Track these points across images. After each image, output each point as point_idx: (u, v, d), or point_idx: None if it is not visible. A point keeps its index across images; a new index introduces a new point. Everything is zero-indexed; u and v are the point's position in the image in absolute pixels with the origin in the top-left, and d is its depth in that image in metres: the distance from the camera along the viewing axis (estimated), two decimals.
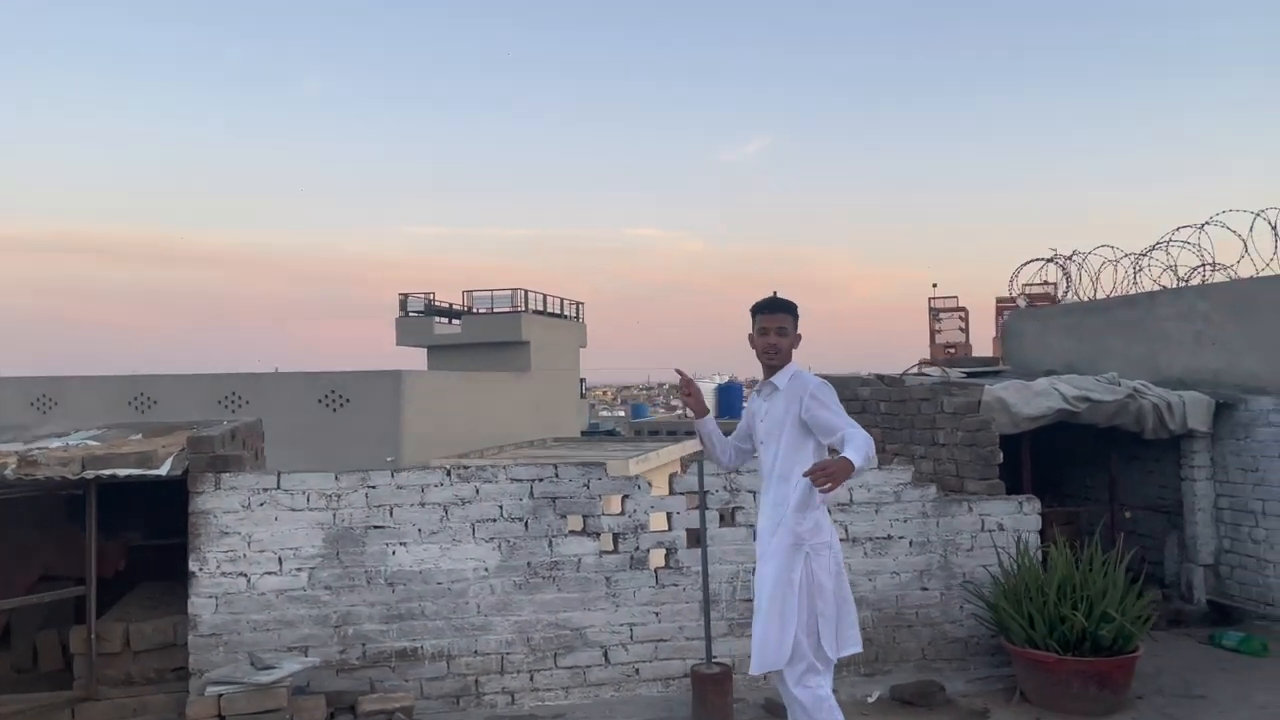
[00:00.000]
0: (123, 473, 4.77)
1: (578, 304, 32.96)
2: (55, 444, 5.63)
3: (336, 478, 5.08)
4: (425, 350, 30.04)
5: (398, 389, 22.14)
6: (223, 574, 4.93)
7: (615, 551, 5.37)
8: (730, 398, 33.23)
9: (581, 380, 33.81)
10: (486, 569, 5.22)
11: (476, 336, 28.62)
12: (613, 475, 5.42)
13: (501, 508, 5.25)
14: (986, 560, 5.75)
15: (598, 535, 5.36)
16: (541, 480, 5.30)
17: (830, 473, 3.39)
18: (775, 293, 4.06)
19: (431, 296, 29.55)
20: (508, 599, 5.23)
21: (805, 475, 3.56)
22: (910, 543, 5.73)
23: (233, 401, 22.73)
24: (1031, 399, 6.66)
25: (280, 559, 5.00)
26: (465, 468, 5.24)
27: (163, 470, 4.80)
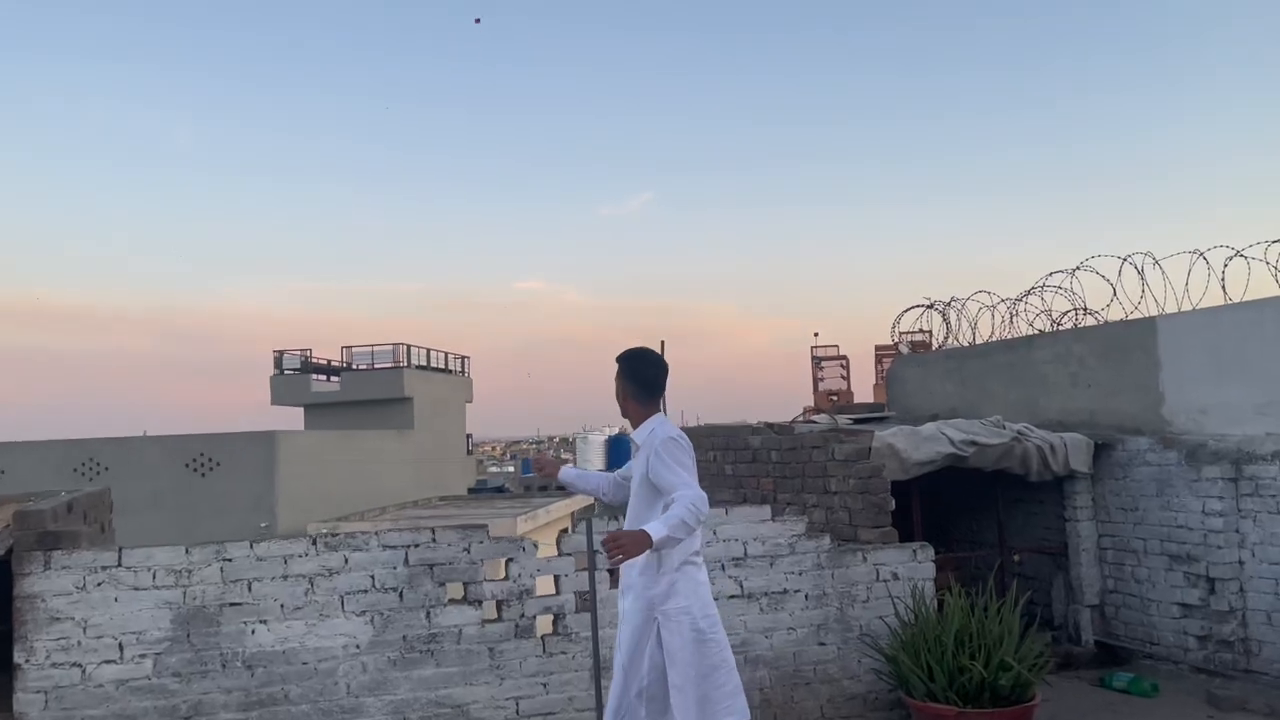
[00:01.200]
0: None
1: (463, 358, 32.36)
2: None
3: (187, 551, 4.60)
4: (302, 410, 28.90)
5: (272, 451, 21.14)
6: (53, 665, 4.37)
7: (499, 620, 5.02)
8: (619, 451, 32.92)
9: (468, 436, 33.07)
10: (358, 645, 4.79)
11: (356, 394, 27.70)
12: (495, 537, 5.09)
13: (374, 578, 4.85)
14: (883, 611, 5.62)
15: (479, 603, 5.01)
16: (417, 546, 4.93)
17: (620, 545, 3.36)
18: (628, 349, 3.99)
19: (308, 353, 28.54)
20: (382, 677, 4.81)
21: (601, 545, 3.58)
22: (806, 596, 5.56)
23: (90, 469, 21.31)
24: (920, 444, 6.64)
25: (121, 645, 4.47)
26: (334, 535, 4.83)
27: None
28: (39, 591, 4.37)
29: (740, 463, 7.66)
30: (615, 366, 3.96)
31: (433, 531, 4.97)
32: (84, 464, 21.42)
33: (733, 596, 5.42)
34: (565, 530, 5.34)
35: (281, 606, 4.70)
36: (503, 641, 5.00)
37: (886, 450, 6.52)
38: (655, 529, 3.41)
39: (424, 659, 4.88)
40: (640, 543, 3.38)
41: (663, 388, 3.97)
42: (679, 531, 3.47)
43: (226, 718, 4.57)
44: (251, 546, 4.69)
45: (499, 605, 5.04)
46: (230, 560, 4.65)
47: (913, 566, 5.79)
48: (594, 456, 31.34)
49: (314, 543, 4.78)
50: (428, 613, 4.91)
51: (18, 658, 4.31)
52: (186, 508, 20.62)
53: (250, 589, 4.67)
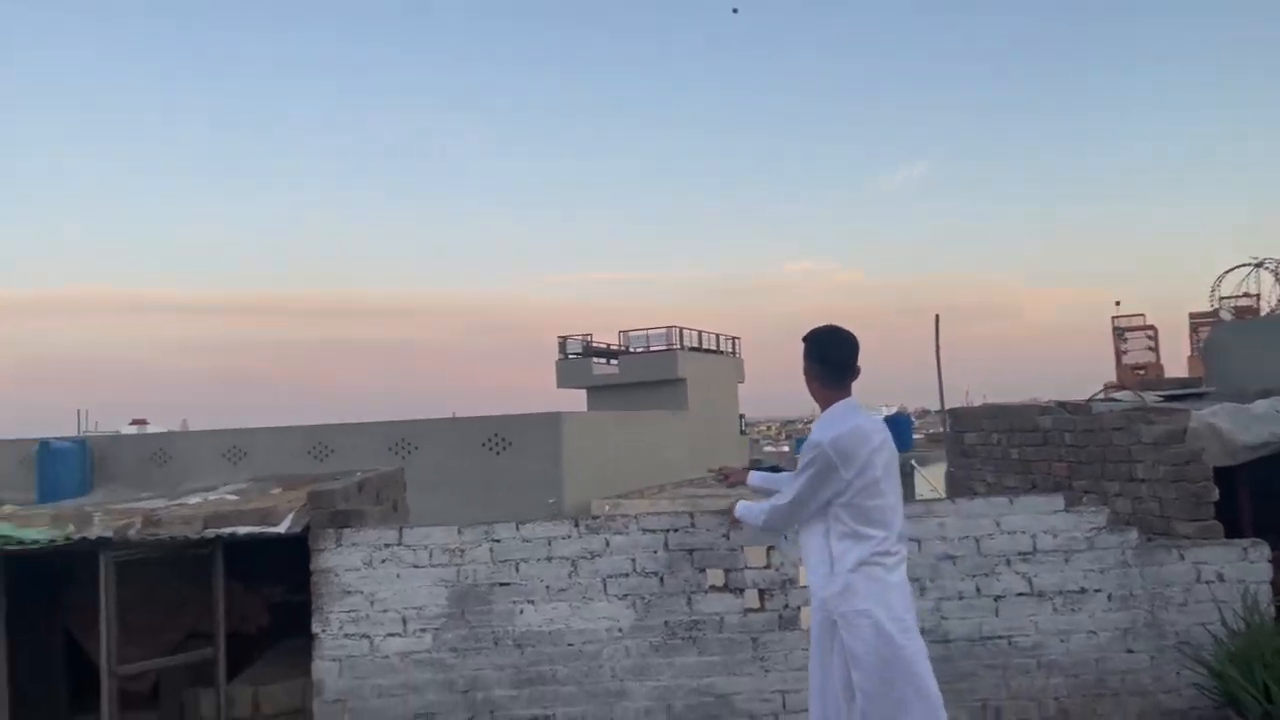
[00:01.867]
0: (243, 530, 4.63)
1: (734, 339, 32.47)
2: (194, 500, 5.61)
3: (459, 531, 4.78)
4: (585, 392, 30.23)
5: (557, 431, 22.19)
6: (345, 635, 4.69)
7: (761, 609, 4.83)
8: (898, 430, 31.75)
9: (741, 416, 33.18)
10: (620, 629, 4.78)
11: (633, 376, 28.56)
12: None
13: (634, 561, 4.82)
14: (1204, 616, 4.87)
15: (741, 591, 4.84)
16: (676, 531, 4.84)
17: (727, 477, 4.22)
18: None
19: (589, 338, 29.75)
20: (644, 662, 4.77)
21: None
22: (1109, 597, 4.92)
23: (403, 448, 23.40)
24: (1250, 424, 5.70)
25: (404, 619, 4.72)
26: (595, 519, 4.84)
27: (281, 528, 4.63)
28: (332, 566, 4.70)
29: (1028, 446, 6.97)
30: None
31: (691, 516, 4.86)
32: (398, 443, 23.54)
33: (1020, 594, 4.91)
34: None
35: (547, 588, 4.77)
36: (766, 632, 4.81)
37: (1207, 432, 5.64)
38: (740, 509, 3.79)
39: (686, 646, 4.79)
40: (729, 510, 3.91)
41: (853, 370, 3.59)
42: (747, 519, 3.76)
43: (500, 694, 4.71)
44: (517, 528, 4.80)
45: (761, 594, 4.85)
46: (499, 541, 4.78)
47: (1242, 567, 4.97)
48: None
49: (576, 525, 4.82)
50: (688, 599, 4.81)
51: (315, 628, 4.66)
52: (484, 485, 22.12)
53: (518, 569, 4.78)
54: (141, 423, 30.08)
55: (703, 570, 4.83)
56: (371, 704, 4.66)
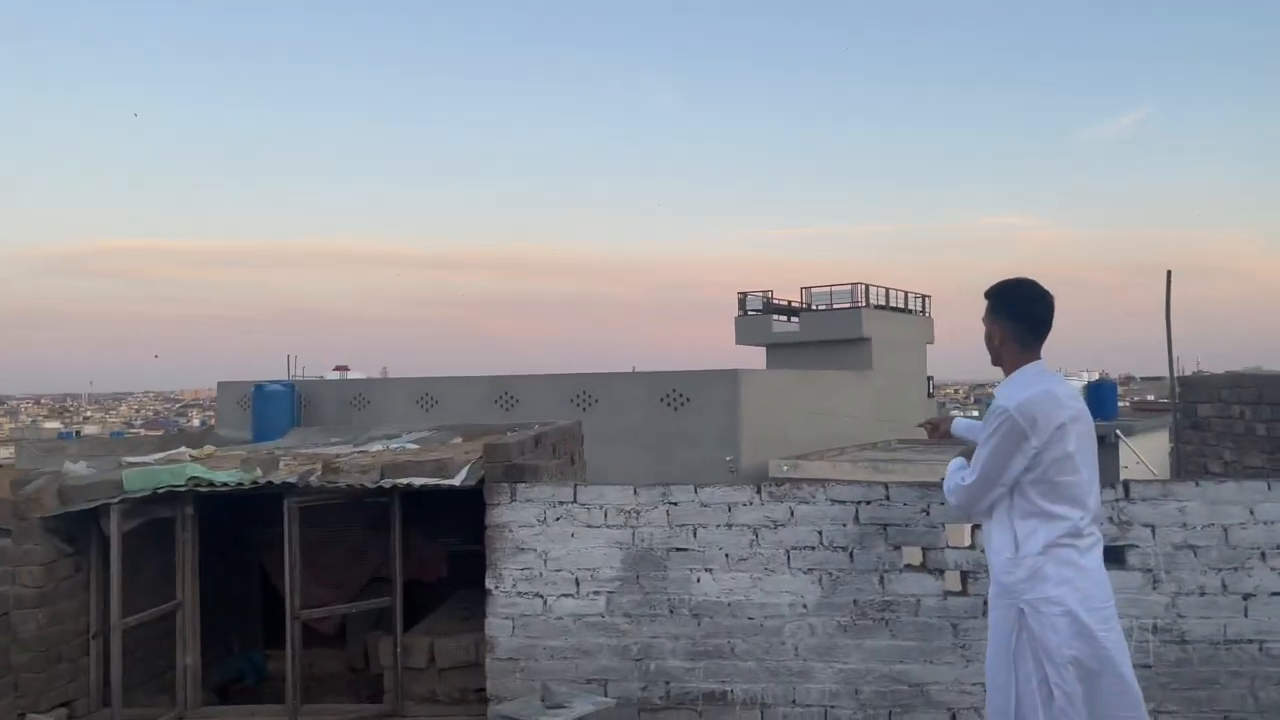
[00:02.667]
0: (418, 482, 4.56)
1: (924, 297, 31.02)
2: (376, 447, 5.63)
3: (635, 492, 4.54)
4: (764, 349, 29.68)
5: (735, 388, 21.86)
6: (519, 593, 4.56)
7: (964, 593, 4.35)
8: (1102, 398, 29.48)
9: (929, 378, 31.77)
10: (805, 605, 4.43)
11: (815, 334, 27.77)
12: None
13: (821, 534, 4.44)
14: None
15: (941, 572, 4.38)
16: (869, 503, 4.42)
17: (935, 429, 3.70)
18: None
19: (769, 295, 29.14)
20: (830, 642, 4.40)
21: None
22: None
23: (584, 400, 23.71)
24: None
25: (577, 580, 4.54)
26: (779, 484, 4.49)
27: (457, 480, 4.52)
28: (506, 521, 4.56)
29: (1278, 421, 6.07)
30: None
31: (886, 487, 4.43)
32: (578, 396, 23.86)
33: (1276, 594, 4.21)
34: None
35: (726, 556, 4.47)
36: (968, 618, 4.33)
37: None
38: (955, 463, 3.31)
39: (877, 628, 4.38)
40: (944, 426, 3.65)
41: (1046, 329, 3.15)
42: (951, 492, 3.26)
43: (675, 664, 4.47)
44: (696, 491, 4.51)
45: (963, 576, 4.37)
46: (675, 504, 4.51)
47: None
48: None
49: (758, 492, 4.48)
50: (881, 577, 4.40)
51: (489, 583, 4.55)
52: (661, 440, 22.14)
53: (695, 535, 4.49)
54: (344, 369, 31.85)
55: (898, 547, 4.40)
56: (543, 664, 4.51)
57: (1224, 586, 4.25)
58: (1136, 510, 4.29)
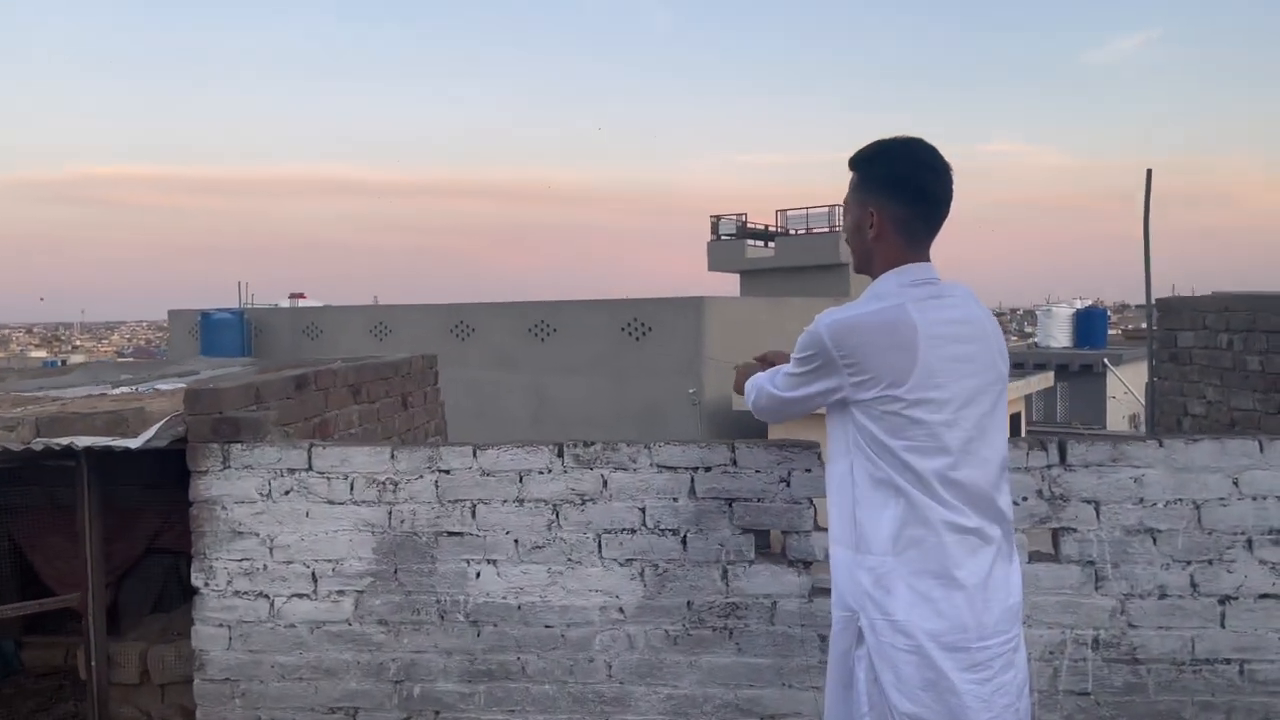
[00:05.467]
0: (84, 442, 3.31)
1: None
2: (166, 386, 4.39)
3: (393, 456, 3.30)
4: (739, 276, 28.37)
5: (699, 316, 20.56)
6: (237, 593, 3.35)
7: None
8: (1091, 327, 28.32)
9: None
10: (621, 609, 3.23)
11: (790, 260, 26.46)
12: None
13: (644, 512, 3.22)
14: None
15: (806, 565, 3.18)
16: (708, 469, 3.19)
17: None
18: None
19: (743, 218, 27.72)
20: (656, 659, 3.22)
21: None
22: None
23: (542, 329, 22.45)
24: None
25: (315, 575, 3.33)
26: (590, 445, 3.25)
27: (135, 441, 3.28)
28: (216, 496, 3.33)
29: (1276, 354, 4.84)
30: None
31: (731, 448, 3.19)
32: (537, 325, 22.60)
33: (1264, 596, 3.02)
34: None
35: (516, 543, 3.26)
36: None
37: None
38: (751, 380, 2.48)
39: (719, 640, 3.20)
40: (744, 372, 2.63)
41: (945, 210, 2.15)
42: (749, 391, 2.48)
43: (447, 688, 3.29)
44: (475, 455, 3.27)
45: None
46: (448, 473, 3.28)
47: None
48: (1059, 333, 27.29)
49: (560, 455, 3.24)
50: (724, 571, 3.19)
51: (196, 579, 3.34)
52: (621, 371, 21.01)
53: (474, 515, 3.27)
54: (299, 296, 30.48)
55: (747, 531, 3.18)
56: (271, 688, 3.33)
57: (1194, 586, 3.05)
58: (1075, 480, 3.07)
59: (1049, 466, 3.08)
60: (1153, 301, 6.30)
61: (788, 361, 2.54)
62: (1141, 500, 3.05)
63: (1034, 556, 3.11)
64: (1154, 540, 3.06)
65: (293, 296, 30.33)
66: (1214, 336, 5.41)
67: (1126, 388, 27.16)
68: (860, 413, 2.05)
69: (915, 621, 1.98)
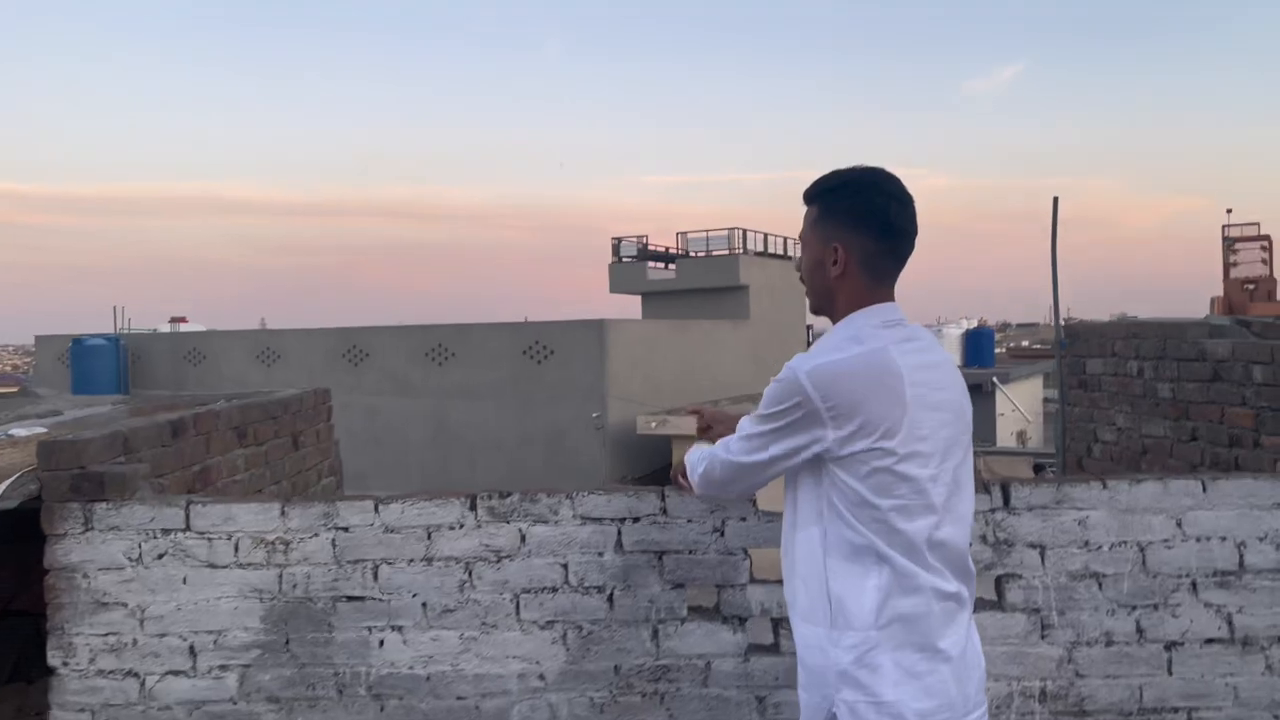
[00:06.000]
0: None
1: None
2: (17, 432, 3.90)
3: (283, 512, 2.95)
4: (640, 298, 28.26)
5: (601, 339, 20.35)
6: (101, 673, 2.94)
7: (776, 650, 2.94)
8: (979, 347, 29.22)
9: (808, 327, 30.98)
10: (542, 676, 2.95)
11: (691, 282, 26.49)
12: (768, 512, 2.96)
13: (566, 568, 2.95)
14: None
15: (742, 621, 2.95)
16: (636, 520, 2.94)
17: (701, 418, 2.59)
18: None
19: (644, 240, 27.66)
20: None
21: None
22: None
23: (440, 354, 21.88)
24: None
25: (193, 649, 2.95)
26: (505, 497, 2.96)
27: None
28: (77, 563, 2.92)
29: (1188, 381, 4.87)
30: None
31: (661, 497, 2.95)
32: (434, 349, 22.02)
33: (1213, 641, 2.93)
34: None
35: (424, 606, 2.94)
36: (782, 687, 2.93)
37: None
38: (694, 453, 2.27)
39: (649, 707, 2.94)
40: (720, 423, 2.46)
41: (910, 246, 1.98)
42: (697, 464, 2.22)
43: None
44: (377, 510, 2.95)
45: (775, 625, 2.95)
46: (347, 530, 2.95)
47: None
48: (949, 353, 28.06)
49: (472, 508, 2.95)
50: (654, 631, 2.94)
51: (53, 658, 2.91)
52: (524, 395, 20.63)
53: (376, 576, 2.94)
54: (180, 321, 29.11)
55: (679, 585, 2.94)
56: None
57: (1140, 632, 2.94)
58: (1019, 524, 2.93)
59: (993, 510, 2.93)
60: (1061, 324, 6.34)
61: (728, 422, 2.37)
62: (1086, 543, 2.93)
63: (978, 605, 2.95)
64: (1099, 585, 2.94)
65: (173, 321, 28.96)
66: (1123, 364, 5.44)
67: (1014, 405, 28.08)
68: (843, 471, 1.84)
69: (905, 701, 1.79)
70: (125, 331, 26.00)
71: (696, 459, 2.24)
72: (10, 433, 3.91)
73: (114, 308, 27.56)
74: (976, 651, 1.96)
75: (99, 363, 23.89)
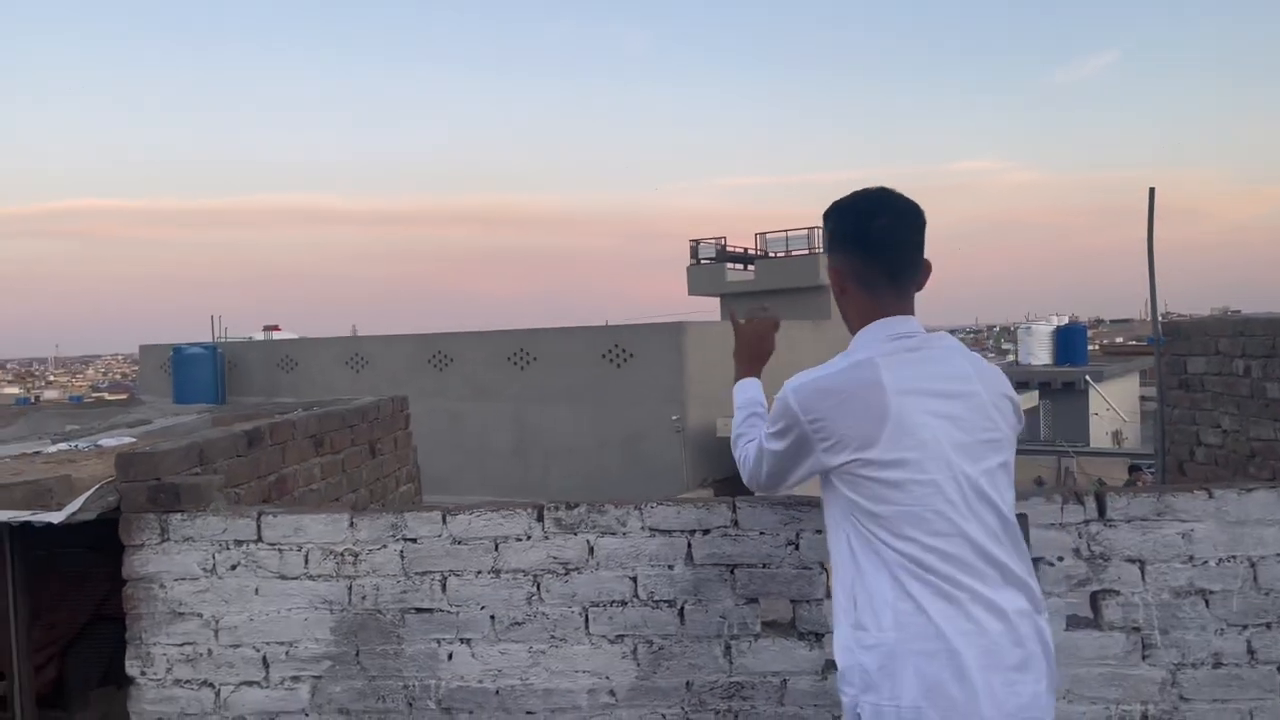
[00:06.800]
0: (2, 516, 2.94)
1: None
2: (53, 448, 4.00)
3: (351, 524, 2.94)
4: (719, 300, 28.10)
5: (680, 342, 20.28)
6: (178, 682, 2.97)
7: None
8: (1071, 344, 28.24)
9: None
10: (612, 691, 2.88)
11: (770, 283, 26.21)
12: None
13: (635, 581, 2.88)
14: None
15: (818, 637, 2.84)
16: (707, 532, 2.85)
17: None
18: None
19: (723, 242, 27.47)
20: None
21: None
22: None
23: (521, 358, 22.07)
24: None
25: (266, 660, 2.96)
26: (572, 507, 2.90)
27: (58, 515, 2.90)
28: (154, 574, 2.96)
29: None
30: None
31: (733, 508, 2.85)
32: (515, 353, 22.22)
33: None
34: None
35: (492, 619, 2.90)
36: None
37: None
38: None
39: None
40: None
41: (905, 255, 2.02)
42: (738, 422, 2.31)
43: None
44: (445, 521, 2.92)
45: None
46: (415, 542, 2.92)
47: None
48: (1039, 351, 27.19)
49: (539, 519, 2.90)
50: (727, 646, 2.85)
51: (131, 667, 2.96)
52: (603, 398, 20.67)
53: (445, 588, 2.92)
54: (274, 329, 29.96)
55: (752, 600, 2.84)
56: None
57: (1251, 653, 2.73)
58: (1116, 537, 2.75)
59: (1086, 522, 2.76)
60: (1158, 320, 6.03)
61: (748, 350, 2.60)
62: (1191, 558, 2.74)
63: (1072, 623, 2.78)
64: (1206, 602, 2.74)
65: (267, 329, 29.82)
66: (1229, 362, 5.14)
67: (1109, 405, 27.08)
68: (839, 480, 1.93)
69: (923, 708, 1.78)
70: (222, 340, 26.91)
71: (740, 436, 2.28)
72: (99, 443, 4.01)
73: (211, 317, 28.56)
74: (1029, 664, 1.84)
75: (198, 371, 24.71)
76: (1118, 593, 2.76)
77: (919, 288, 2.04)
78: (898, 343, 1.94)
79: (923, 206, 2.03)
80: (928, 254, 2.05)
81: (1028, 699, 1.80)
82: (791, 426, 1.95)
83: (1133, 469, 15.67)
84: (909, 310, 2.01)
